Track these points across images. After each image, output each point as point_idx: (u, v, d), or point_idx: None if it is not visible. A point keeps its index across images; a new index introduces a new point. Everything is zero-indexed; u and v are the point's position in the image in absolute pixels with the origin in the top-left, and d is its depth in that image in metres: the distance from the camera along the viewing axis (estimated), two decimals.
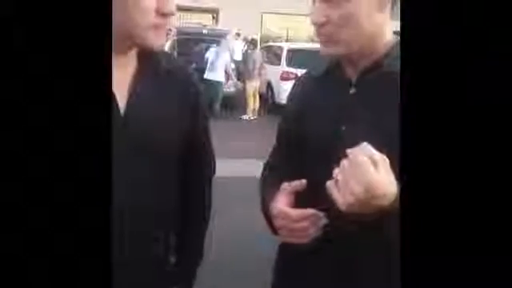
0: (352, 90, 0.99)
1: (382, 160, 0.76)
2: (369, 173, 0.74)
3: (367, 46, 0.96)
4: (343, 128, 0.98)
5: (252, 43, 9.88)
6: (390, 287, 0.86)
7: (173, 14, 0.94)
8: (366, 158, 0.75)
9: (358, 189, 0.74)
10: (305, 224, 0.91)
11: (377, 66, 0.97)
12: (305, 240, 0.92)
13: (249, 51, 9.85)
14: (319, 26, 0.94)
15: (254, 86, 9.23)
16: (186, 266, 1.20)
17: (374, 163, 0.75)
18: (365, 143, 0.77)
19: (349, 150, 0.77)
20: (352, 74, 1.01)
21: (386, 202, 0.78)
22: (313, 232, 0.91)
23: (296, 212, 0.91)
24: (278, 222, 0.94)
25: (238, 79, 9.61)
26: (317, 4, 0.93)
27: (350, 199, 0.75)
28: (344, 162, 0.77)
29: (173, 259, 1.14)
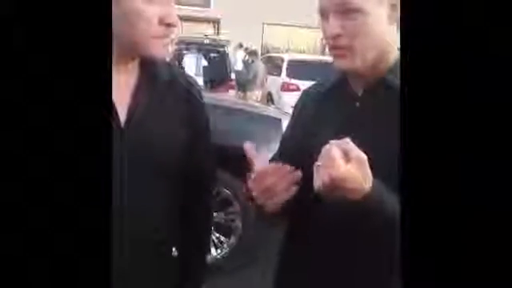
0: (357, 104, 1.01)
1: (357, 157, 0.80)
2: (337, 166, 0.78)
3: (378, 60, 0.97)
4: None
5: (253, 54, 9.90)
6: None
7: (175, 25, 0.96)
8: (338, 152, 0.79)
9: (325, 178, 0.79)
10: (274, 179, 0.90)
11: (382, 80, 0.98)
12: (279, 197, 0.91)
13: (250, 62, 9.87)
14: (334, 39, 0.95)
15: (254, 97, 9.23)
16: (193, 263, 1.20)
17: (347, 159, 0.79)
18: (347, 139, 0.81)
19: (331, 141, 0.81)
20: (358, 87, 1.02)
21: (356, 196, 0.82)
22: (285, 188, 0.91)
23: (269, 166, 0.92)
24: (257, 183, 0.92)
25: (239, 89, 9.61)
26: (331, 18, 0.95)
27: (320, 184, 0.81)
28: (322, 150, 0.81)
29: (176, 253, 1.13)
